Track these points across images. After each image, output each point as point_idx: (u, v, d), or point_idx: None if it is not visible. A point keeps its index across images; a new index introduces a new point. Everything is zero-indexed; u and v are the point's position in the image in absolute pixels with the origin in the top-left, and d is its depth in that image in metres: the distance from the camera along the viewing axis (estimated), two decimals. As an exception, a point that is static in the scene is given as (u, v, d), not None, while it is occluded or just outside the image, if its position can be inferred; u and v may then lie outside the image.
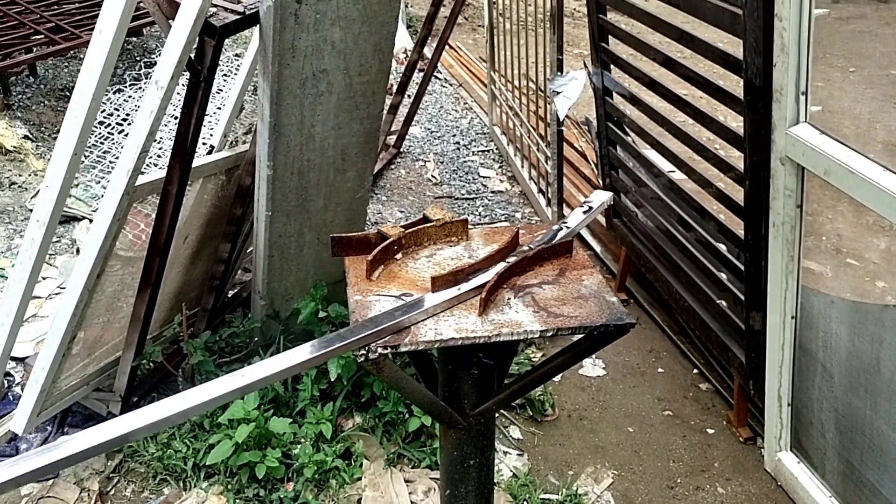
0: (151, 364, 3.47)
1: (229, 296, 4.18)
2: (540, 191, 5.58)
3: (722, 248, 3.50)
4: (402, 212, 5.48)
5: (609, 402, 3.85)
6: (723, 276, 3.53)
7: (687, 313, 3.92)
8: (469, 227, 1.99)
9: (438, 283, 1.72)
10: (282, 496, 3.08)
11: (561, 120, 4.78)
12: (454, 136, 6.66)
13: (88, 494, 3.16)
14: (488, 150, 6.45)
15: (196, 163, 3.12)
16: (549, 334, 1.61)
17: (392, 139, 6.08)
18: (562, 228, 1.99)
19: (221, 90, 4.28)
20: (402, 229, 1.89)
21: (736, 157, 3.26)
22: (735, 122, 3.22)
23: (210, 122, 3.64)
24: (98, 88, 2.35)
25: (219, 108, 3.60)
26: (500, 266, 1.75)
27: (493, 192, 5.82)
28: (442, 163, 6.21)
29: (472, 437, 1.89)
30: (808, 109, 2.69)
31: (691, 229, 3.68)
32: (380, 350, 1.55)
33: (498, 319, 1.64)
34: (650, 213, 4.14)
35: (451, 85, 7.69)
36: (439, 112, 7.07)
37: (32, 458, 1.36)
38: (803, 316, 3.00)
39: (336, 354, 1.56)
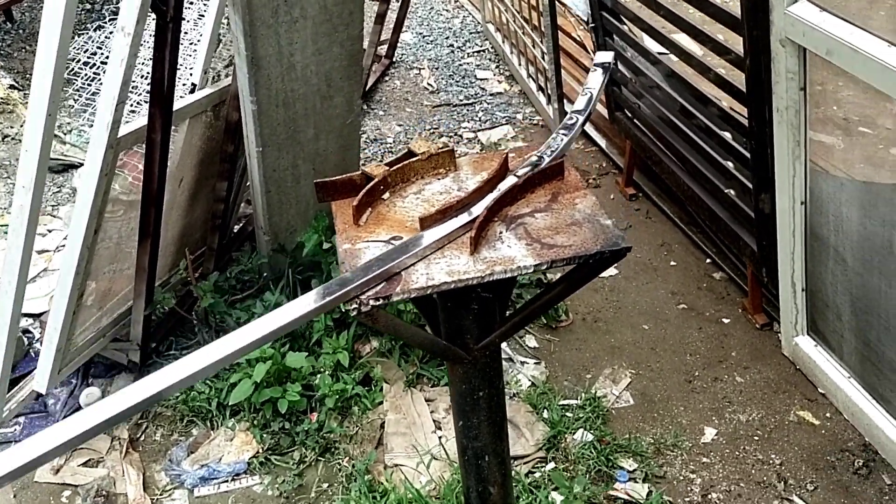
0: (165, 310, 3.49)
1: (235, 230, 4.16)
2: (539, 88, 5.44)
3: (726, 135, 3.40)
4: (400, 125, 5.38)
5: (623, 301, 3.84)
6: (729, 164, 3.44)
7: (696, 204, 3.86)
8: (457, 156, 1.92)
9: (427, 222, 1.67)
10: (307, 428, 3.13)
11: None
12: (447, 38, 6.45)
13: (119, 443, 3.23)
14: (484, 51, 6.26)
15: (179, 105, 3.04)
16: (544, 268, 1.57)
17: (383, 49, 5.90)
18: (552, 148, 1.91)
19: (202, 16, 4.11)
20: (387, 167, 1.83)
21: (735, 40, 3.12)
22: (733, 2, 3.07)
23: (188, 58, 3.53)
24: (61, 44, 2.25)
25: (192, 44, 3.46)
26: (490, 198, 1.70)
27: (491, 94, 5.68)
28: (437, 68, 6.04)
29: (479, 370, 1.88)
30: (807, -13, 2.55)
31: (694, 118, 3.57)
32: (371, 303, 1.52)
33: (490, 257, 1.60)
34: (651, 103, 4.01)
35: (439, -17, 7.40)
36: (430, 14, 6.83)
37: (40, 441, 1.36)
38: (813, 201, 2.94)
39: (326, 310, 1.54)
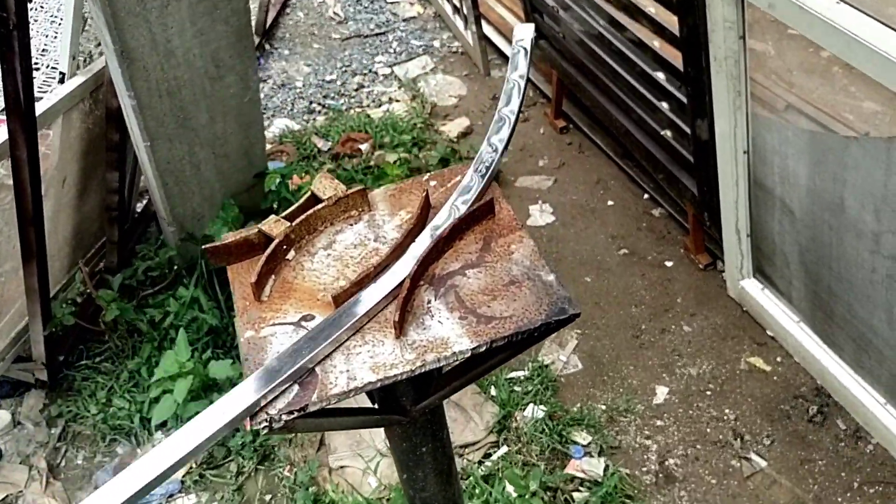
0: (67, 322, 3.17)
1: (138, 210, 3.81)
2: (455, 9, 5.05)
3: (660, 76, 3.16)
4: (309, 65, 4.96)
5: (562, 251, 3.66)
6: (664, 105, 3.22)
7: (630, 141, 3.65)
8: (368, 189, 1.64)
9: (342, 299, 1.42)
10: (242, 440, 2.92)
11: None
12: (349, -44, 5.93)
13: (38, 472, 2.98)
14: (391, -31, 5.78)
15: (46, 103, 2.65)
16: (483, 349, 1.35)
17: (281, -23, 5.39)
18: (489, 162, 1.66)
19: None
20: (287, 222, 1.55)
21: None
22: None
23: (50, 42, 3.07)
24: None
25: (52, 23, 3.00)
26: (412, 260, 1.44)
27: (404, 19, 5.27)
28: (342, -6, 5.57)
29: (420, 428, 1.68)
30: (745, -73, 2.27)
31: (627, 59, 3.31)
32: (284, 417, 1.29)
33: (419, 340, 1.36)
34: (577, 37, 3.72)
35: None
36: (327, -71, 6.26)
37: None
38: (756, 151, 2.75)
39: (230, 430, 1.31)
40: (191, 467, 2.92)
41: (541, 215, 3.84)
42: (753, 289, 3.19)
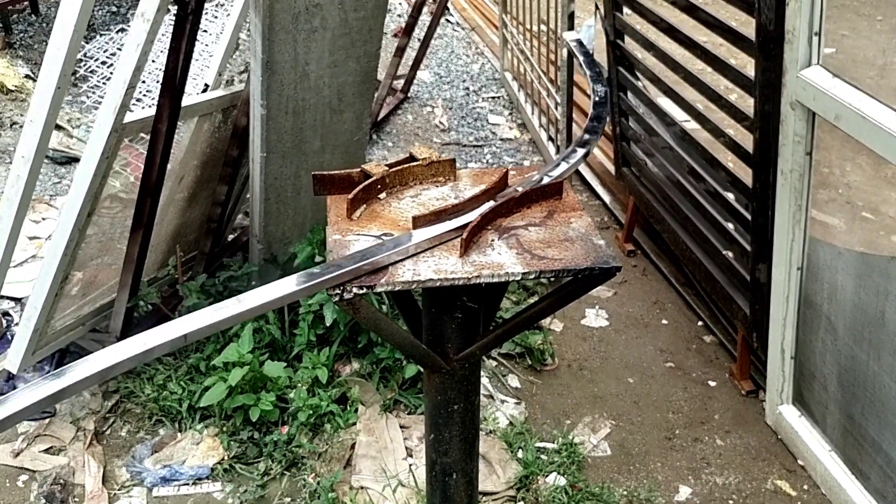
0: (149, 306, 3.45)
1: (229, 239, 4.15)
2: (549, 138, 5.47)
3: (730, 196, 3.41)
4: (407, 158, 5.40)
5: (610, 352, 3.80)
6: (730, 226, 3.44)
7: (693, 264, 3.85)
8: (458, 167, 1.91)
9: (420, 222, 1.66)
10: (276, 439, 3.07)
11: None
12: (464, 81, 6.52)
13: (84, 433, 3.17)
14: (499, 97, 6.32)
15: (189, 101, 3.05)
16: (532, 277, 1.55)
17: (399, 84, 5.96)
18: (559, 164, 1.91)
19: (216, 17, 4.12)
20: (387, 168, 1.82)
21: (750, 106, 3.13)
22: (752, 70, 3.08)
23: (204, 58, 3.55)
24: (80, 19, 2.27)
25: (206, 46, 3.48)
26: (486, 206, 1.68)
27: (501, 139, 5.72)
28: (450, 108, 6.09)
29: (457, 382, 1.85)
30: (822, 51, 2.57)
31: (701, 179, 3.57)
32: (355, 290, 1.50)
33: (479, 261, 1.58)
34: (659, 162, 4.03)
35: (463, 29, 7.51)
36: (450, 56, 6.92)
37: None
38: (809, 267, 2.92)
39: (307, 294, 1.52)
40: (223, 458, 3.06)
41: (595, 318, 4.01)
42: (791, 415, 3.25)
